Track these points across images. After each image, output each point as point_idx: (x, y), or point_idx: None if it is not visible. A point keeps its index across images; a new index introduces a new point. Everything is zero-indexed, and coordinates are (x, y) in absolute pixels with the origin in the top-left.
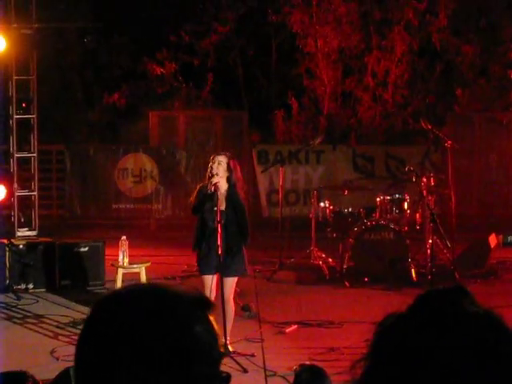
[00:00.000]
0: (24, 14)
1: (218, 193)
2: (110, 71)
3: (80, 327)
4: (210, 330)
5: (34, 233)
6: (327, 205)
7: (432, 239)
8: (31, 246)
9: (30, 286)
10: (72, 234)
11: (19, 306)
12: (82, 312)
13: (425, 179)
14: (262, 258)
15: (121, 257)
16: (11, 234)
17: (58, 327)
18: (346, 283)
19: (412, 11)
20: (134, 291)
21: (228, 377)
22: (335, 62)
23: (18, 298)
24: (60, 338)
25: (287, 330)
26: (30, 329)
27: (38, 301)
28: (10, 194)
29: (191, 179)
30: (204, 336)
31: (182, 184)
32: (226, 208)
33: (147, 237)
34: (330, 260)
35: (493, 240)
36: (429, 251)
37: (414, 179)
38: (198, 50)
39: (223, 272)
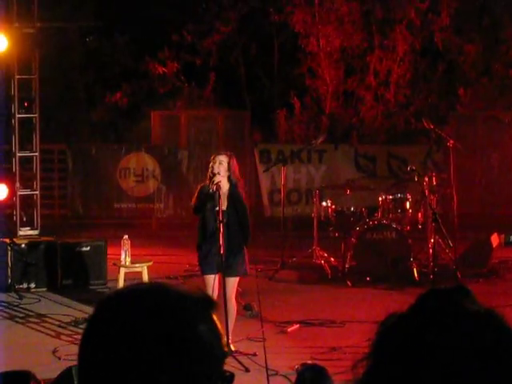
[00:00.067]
0: (26, 13)
1: (220, 192)
2: (112, 71)
3: (82, 326)
4: (214, 329)
5: (35, 232)
6: (329, 204)
7: (434, 239)
8: (33, 245)
9: (32, 285)
10: (74, 233)
11: (21, 306)
12: (83, 311)
13: (427, 179)
14: (264, 258)
15: (123, 256)
16: (13, 234)
17: (59, 326)
18: (348, 282)
19: (414, 10)
20: (136, 291)
21: (232, 376)
22: (337, 62)
23: (20, 298)
24: (62, 337)
25: (289, 330)
26: (32, 328)
27: (39, 300)
28: (12, 193)
29: (193, 179)
30: (207, 335)
31: (183, 183)
32: (227, 207)
33: (149, 236)
34: (332, 259)
35: (495, 239)
36: (431, 251)
37: (416, 179)
38: (200, 49)
39: (225, 272)
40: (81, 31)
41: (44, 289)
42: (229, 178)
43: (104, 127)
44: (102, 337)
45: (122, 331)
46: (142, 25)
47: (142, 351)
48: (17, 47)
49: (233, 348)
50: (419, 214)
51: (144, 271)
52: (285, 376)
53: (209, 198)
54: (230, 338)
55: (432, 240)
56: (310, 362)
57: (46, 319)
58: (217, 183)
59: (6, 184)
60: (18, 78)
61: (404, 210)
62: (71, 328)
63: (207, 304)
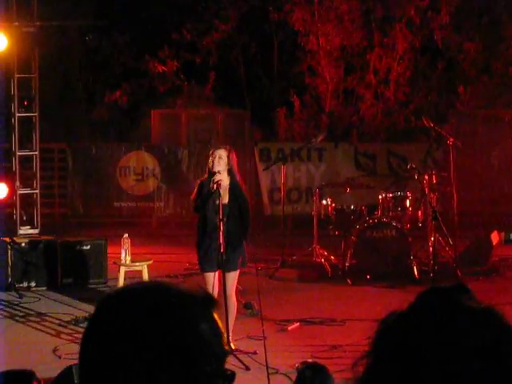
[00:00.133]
0: (26, 12)
1: (220, 190)
2: (112, 69)
3: (82, 325)
4: (215, 327)
5: (36, 231)
6: (329, 202)
7: (434, 237)
8: (33, 244)
9: (32, 284)
10: (74, 232)
11: (21, 304)
12: (84, 310)
13: (427, 177)
14: (264, 256)
15: (123, 255)
16: (13, 232)
17: (60, 325)
18: (349, 281)
19: (414, 8)
20: (136, 290)
21: (232, 375)
22: (337, 60)
23: (20, 296)
24: (62, 336)
25: (289, 328)
26: (32, 327)
27: (40, 299)
28: (12, 192)
29: (193, 177)
30: (208, 334)
31: (184, 182)
32: (228, 201)
33: (149, 235)
34: (332, 258)
35: (495, 237)
36: (431, 249)
37: (415, 177)
38: (200, 47)
39: (225, 266)
40: (81, 30)
41: (44, 288)
42: (229, 172)
43: (104, 126)
44: (103, 336)
45: (122, 330)
46: (142, 23)
47: (142, 350)
48: (17, 46)
49: (233, 346)
50: (419, 212)
51: (144, 270)
52: (285, 374)
53: (210, 195)
54: (230, 336)
55: (432, 238)
56: (310, 360)
57: (46, 318)
58: (217, 181)
59: (6, 183)
60: (18, 77)
61: (404, 208)
62: (71, 327)
63: (208, 302)
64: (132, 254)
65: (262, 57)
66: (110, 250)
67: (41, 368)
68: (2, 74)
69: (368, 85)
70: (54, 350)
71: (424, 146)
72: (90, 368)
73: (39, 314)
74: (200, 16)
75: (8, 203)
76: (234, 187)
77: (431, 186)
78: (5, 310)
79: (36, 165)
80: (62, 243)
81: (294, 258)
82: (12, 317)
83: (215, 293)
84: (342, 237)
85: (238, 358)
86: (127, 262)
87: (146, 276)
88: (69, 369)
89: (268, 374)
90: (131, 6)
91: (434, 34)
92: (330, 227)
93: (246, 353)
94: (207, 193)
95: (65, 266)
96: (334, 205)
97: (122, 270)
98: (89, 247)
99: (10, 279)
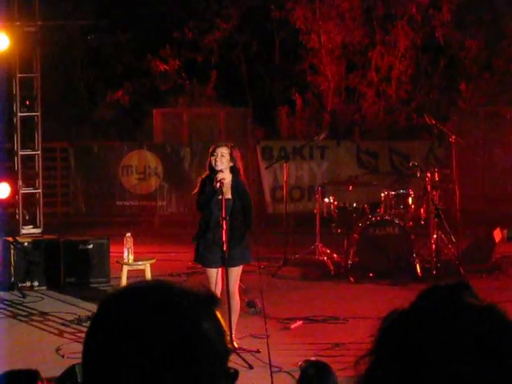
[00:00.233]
0: (27, 11)
1: (223, 188)
2: (113, 68)
3: (85, 324)
4: (218, 326)
5: (38, 230)
6: (332, 200)
7: (437, 234)
8: (36, 243)
9: (35, 283)
10: (77, 231)
11: (24, 304)
12: (86, 309)
13: (429, 174)
14: (267, 255)
15: (126, 254)
16: (16, 232)
17: (63, 324)
18: (351, 279)
19: (415, 6)
20: (139, 288)
21: (236, 373)
22: (339, 58)
23: (23, 296)
24: (65, 335)
25: (292, 326)
26: (35, 326)
27: (42, 298)
28: (15, 191)
29: (195, 176)
30: (211, 332)
31: (186, 181)
32: (231, 198)
33: (152, 234)
34: (335, 256)
35: (497, 234)
36: (433, 246)
37: (418, 174)
38: (202, 46)
39: (228, 263)
40: (82, 29)
41: (47, 287)
42: (231, 169)
43: (106, 125)
44: (106, 335)
45: (125, 329)
46: (144, 22)
47: (145, 349)
48: (18, 45)
49: (236, 345)
50: (422, 210)
51: (147, 269)
52: (288, 373)
53: (212, 194)
54: (233, 334)
55: (434, 235)
56: (313, 358)
57: (49, 317)
58: (220, 180)
59: (9, 182)
60: (20, 77)
61: (406, 205)
62: (74, 326)
63: (210, 301)
64: (135, 253)
65: (264, 55)
66: (112, 249)
67: (44, 367)
68: (4, 74)
69: (370, 83)
70: (57, 350)
71: (426, 144)
72: (92, 367)
73: (42, 314)
74: (202, 15)
75: (10, 203)
76: (236, 184)
77: (433, 183)
78: (8, 310)
79: (38, 164)
80: (64, 242)
81: (297, 256)
82: (15, 316)
83: (218, 290)
84: (344, 235)
85: (241, 357)
86: (130, 261)
87: (148, 275)
88: (72, 368)
89: (271, 372)
90: (133, 5)
91: (435, 31)
92: (333, 225)
93: (249, 351)
94: (210, 191)
95: (67, 266)
96: (336, 203)
97: (125, 269)
98: (91, 246)
99: (12, 279)
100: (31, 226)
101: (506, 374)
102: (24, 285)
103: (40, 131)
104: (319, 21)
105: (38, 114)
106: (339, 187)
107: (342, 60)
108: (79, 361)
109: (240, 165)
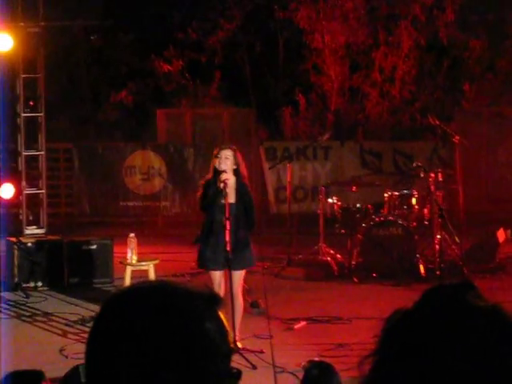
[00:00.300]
0: (31, 12)
1: (227, 188)
2: (117, 69)
3: (89, 325)
4: (220, 326)
5: (42, 231)
6: (335, 201)
7: (440, 234)
8: (40, 244)
9: (39, 283)
10: (80, 231)
11: (28, 304)
12: (90, 310)
13: (433, 175)
14: (270, 255)
15: (129, 254)
16: (19, 233)
17: (66, 325)
18: (355, 279)
19: (419, 6)
20: (142, 288)
21: (238, 373)
22: (342, 58)
23: (27, 296)
24: (69, 335)
25: (296, 327)
26: (39, 327)
27: (46, 299)
28: (19, 192)
29: (199, 176)
30: (214, 332)
31: (189, 181)
32: (235, 201)
33: (155, 234)
34: (339, 256)
35: (501, 235)
36: (437, 246)
37: (422, 175)
38: (206, 47)
39: (232, 265)
40: (86, 30)
41: (50, 287)
42: (235, 172)
43: (110, 126)
44: (109, 335)
45: (128, 329)
46: (147, 23)
47: (148, 349)
48: (22, 46)
49: (240, 345)
50: (425, 210)
51: (151, 269)
52: (292, 373)
53: (216, 194)
54: (236, 335)
55: (438, 236)
56: (317, 358)
57: (53, 318)
58: (224, 180)
59: (12, 183)
60: (24, 77)
61: (410, 206)
62: (78, 326)
63: (213, 301)
64: (138, 254)
65: (267, 55)
66: (116, 249)
67: (48, 368)
68: (8, 75)
69: (373, 83)
70: (61, 350)
71: (430, 144)
72: (96, 367)
73: (46, 314)
74: (205, 15)
75: (14, 203)
76: (240, 187)
77: (437, 183)
78: (11, 310)
79: (42, 165)
80: (68, 243)
81: (300, 256)
82: (19, 317)
83: (221, 292)
84: (348, 235)
85: (244, 357)
86: (133, 261)
87: (152, 275)
88: (75, 368)
89: (275, 372)
90: (136, 6)
91: (439, 31)
92: (336, 226)
93: (253, 352)
94: (214, 192)
95: (71, 266)
96: (339, 203)
97: (129, 269)
98: (95, 247)
99: (16, 279)
100: (35, 227)
101: (509, 374)
102: (28, 285)
103: (44, 132)
104: (323, 21)
105: (41, 114)
106: (343, 188)
107: (346, 60)
108: (83, 361)
109: (243, 167)
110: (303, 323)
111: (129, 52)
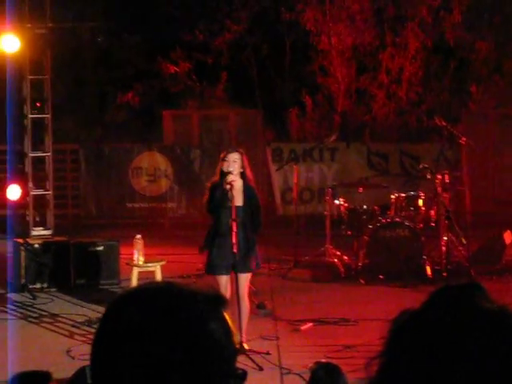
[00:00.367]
0: (38, 13)
1: (233, 190)
2: (124, 71)
3: (95, 326)
4: (225, 327)
5: (49, 232)
6: (342, 202)
7: (447, 236)
8: (46, 245)
9: (45, 285)
10: (87, 233)
11: (35, 306)
12: (97, 311)
13: (439, 176)
14: (277, 256)
15: (136, 256)
16: (26, 234)
17: (73, 326)
18: (362, 281)
19: (426, 8)
20: (148, 290)
21: (244, 374)
22: (349, 59)
23: (34, 298)
24: (75, 337)
25: (302, 328)
26: (46, 328)
27: (53, 300)
28: (25, 193)
29: (205, 178)
30: (218, 333)
31: (196, 183)
32: (242, 204)
33: (162, 235)
34: (345, 257)
35: (508, 236)
36: (444, 248)
37: (428, 176)
38: (212, 48)
39: (238, 268)
40: (93, 31)
41: (57, 289)
42: (242, 175)
43: (116, 127)
44: (114, 335)
45: (133, 330)
46: (154, 24)
47: (152, 349)
48: (29, 47)
49: (246, 347)
50: (432, 212)
51: (157, 270)
52: (298, 375)
53: (223, 197)
54: (243, 336)
55: (445, 237)
56: (323, 360)
57: (60, 319)
58: (230, 182)
59: (19, 184)
60: (31, 79)
61: (417, 207)
62: (85, 328)
63: (218, 302)
64: (145, 255)
65: (274, 57)
66: (122, 250)
67: (54, 369)
68: (15, 76)
69: (380, 84)
70: (68, 351)
71: (436, 146)
72: (101, 368)
73: (52, 315)
74: (212, 17)
75: (21, 204)
76: (247, 190)
77: (444, 185)
78: (18, 311)
79: (49, 166)
80: (74, 244)
81: (307, 258)
82: (25, 318)
83: (227, 294)
84: (354, 237)
85: (251, 359)
86: (140, 262)
87: (159, 277)
88: (82, 370)
89: (281, 374)
90: (143, 7)
91: (445, 33)
92: (343, 227)
93: (259, 353)
94: (220, 194)
95: (78, 267)
96: (346, 205)
97: (135, 270)
98: (102, 248)
99: (23, 280)
100: (41, 228)
101: None
102: (34, 286)
103: (50, 133)
104: (329, 22)
105: (48, 115)
106: (349, 189)
107: (353, 62)
108: (89, 362)
109: (249, 170)
110: (310, 324)
111: (135, 53)
